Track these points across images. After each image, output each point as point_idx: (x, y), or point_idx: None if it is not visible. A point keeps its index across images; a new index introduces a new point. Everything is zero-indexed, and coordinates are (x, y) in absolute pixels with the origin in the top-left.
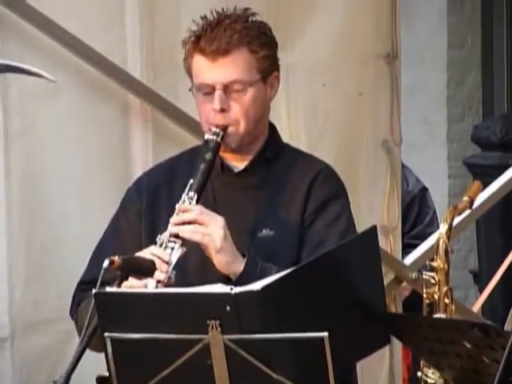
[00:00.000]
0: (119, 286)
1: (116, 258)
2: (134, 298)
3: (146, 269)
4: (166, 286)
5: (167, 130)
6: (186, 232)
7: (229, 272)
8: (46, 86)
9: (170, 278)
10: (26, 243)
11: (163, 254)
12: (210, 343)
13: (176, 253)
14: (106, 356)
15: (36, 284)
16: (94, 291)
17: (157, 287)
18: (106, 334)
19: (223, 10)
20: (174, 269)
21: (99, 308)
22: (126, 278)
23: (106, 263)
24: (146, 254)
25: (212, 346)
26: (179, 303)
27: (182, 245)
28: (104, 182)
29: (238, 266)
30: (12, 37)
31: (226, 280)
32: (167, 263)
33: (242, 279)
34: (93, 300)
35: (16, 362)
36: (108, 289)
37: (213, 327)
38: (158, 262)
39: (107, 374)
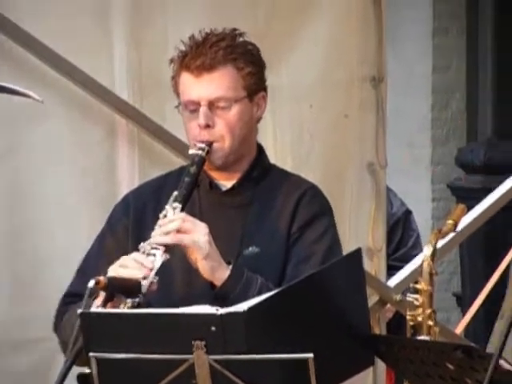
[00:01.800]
0: (104, 305)
1: (102, 278)
2: (119, 318)
3: (131, 289)
4: (149, 292)
5: (153, 151)
6: (177, 237)
7: (214, 278)
8: (34, 106)
9: (152, 283)
10: (11, 262)
11: (146, 260)
12: (194, 363)
13: (159, 259)
14: (91, 375)
15: (22, 303)
16: (79, 311)
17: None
18: (91, 354)
19: (211, 29)
20: (156, 275)
21: (84, 328)
22: (111, 298)
23: (91, 283)
24: (128, 259)
25: (197, 366)
26: (165, 323)
27: (165, 252)
28: (90, 202)
29: (224, 271)
30: (1, 58)
31: (211, 288)
32: (150, 269)
33: (228, 286)
34: (78, 320)
35: (2, 381)
36: (93, 309)
37: (198, 348)
38: (138, 267)
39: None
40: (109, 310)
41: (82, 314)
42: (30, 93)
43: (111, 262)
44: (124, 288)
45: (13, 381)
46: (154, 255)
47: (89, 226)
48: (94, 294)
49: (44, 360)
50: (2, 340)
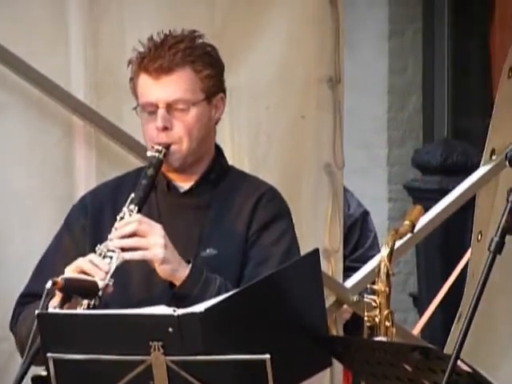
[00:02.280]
0: (61, 306)
1: (59, 279)
2: (76, 318)
3: (87, 290)
4: (105, 294)
5: (110, 152)
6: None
7: (175, 279)
8: None
9: (107, 285)
10: None
11: (101, 262)
12: (152, 364)
13: (115, 261)
14: (49, 376)
15: None
16: (36, 312)
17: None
18: (49, 355)
19: (170, 31)
20: (112, 277)
21: (42, 329)
22: (69, 299)
23: (48, 284)
24: (84, 261)
25: (154, 367)
26: (122, 324)
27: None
28: (47, 202)
29: (183, 271)
30: None
31: (170, 288)
32: (106, 272)
33: (187, 285)
34: (35, 321)
35: None
36: (51, 310)
37: (155, 349)
38: (95, 270)
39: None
40: (66, 310)
41: (39, 314)
42: None
43: (68, 263)
44: (80, 289)
45: None
46: (111, 257)
47: (46, 227)
48: (50, 295)
49: (1, 361)
50: None
